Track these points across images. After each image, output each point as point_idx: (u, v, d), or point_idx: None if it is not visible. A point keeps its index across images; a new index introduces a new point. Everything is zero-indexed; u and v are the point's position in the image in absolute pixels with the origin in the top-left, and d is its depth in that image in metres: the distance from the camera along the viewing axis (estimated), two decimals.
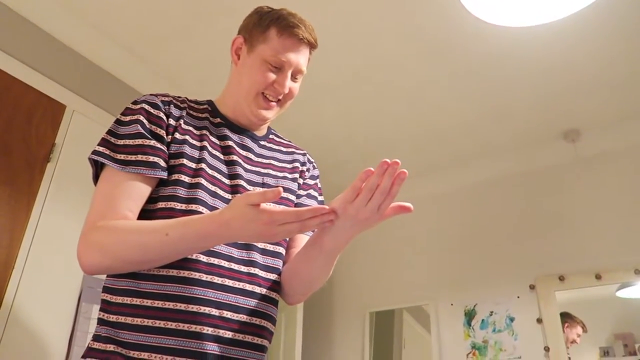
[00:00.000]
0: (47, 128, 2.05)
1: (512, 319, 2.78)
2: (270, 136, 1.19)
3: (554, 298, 2.70)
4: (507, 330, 2.77)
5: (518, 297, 2.81)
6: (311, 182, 1.21)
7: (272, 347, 2.67)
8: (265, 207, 0.78)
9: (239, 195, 0.90)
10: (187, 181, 0.97)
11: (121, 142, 0.97)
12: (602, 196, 2.78)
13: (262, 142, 1.15)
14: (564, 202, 2.89)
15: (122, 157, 0.95)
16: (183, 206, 0.95)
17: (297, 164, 1.18)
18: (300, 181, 1.18)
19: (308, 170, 1.21)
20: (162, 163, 0.97)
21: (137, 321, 0.88)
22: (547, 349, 2.61)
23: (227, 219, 0.81)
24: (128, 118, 1.00)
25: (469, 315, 2.91)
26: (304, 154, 1.23)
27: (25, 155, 1.95)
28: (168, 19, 2.20)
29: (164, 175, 0.96)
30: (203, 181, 0.98)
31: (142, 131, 0.97)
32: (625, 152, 2.80)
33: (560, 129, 2.87)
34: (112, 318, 0.90)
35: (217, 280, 0.92)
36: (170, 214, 0.94)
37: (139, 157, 0.95)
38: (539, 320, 2.69)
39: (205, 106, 1.13)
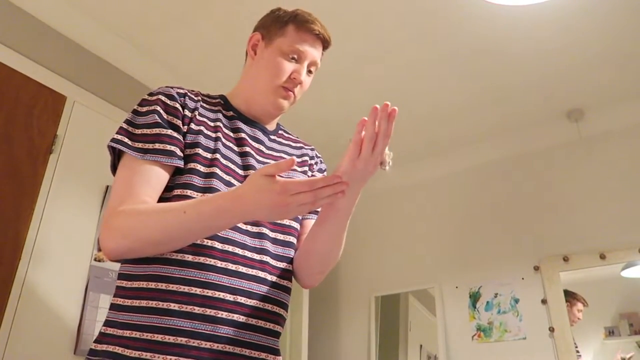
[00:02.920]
0: (48, 119, 2.05)
1: (516, 301, 2.79)
2: (280, 131, 1.22)
3: (559, 279, 2.71)
4: (512, 311, 2.78)
5: (522, 278, 2.81)
6: (319, 174, 1.24)
7: None
8: (278, 178, 0.80)
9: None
10: (203, 170, 1.00)
11: (139, 131, 0.99)
12: (605, 176, 2.77)
13: (272, 137, 1.18)
14: (568, 182, 2.88)
15: (139, 145, 0.97)
16: (199, 194, 0.97)
17: (307, 158, 1.22)
18: (309, 174, 1.21)
19: (316, 163, 1.25)
20: (179, 152, 0.99)
21: (152, 304, 0.90)
22: (552, 329, 2.62)
23: (241, 192, 0.83)
24: (145, 108, 1.02)
25: (474, 298, 2.93)
26: (312, 149, 1.27)
27: (27, 147, 1.95)
28: (166, 7, 2.19)
29: (180, 164, 0.98)
30: (218, 171, 1.00)
31: (159, 121, 1.00)
32: (629, 132, 2.78)
33: (564, 109, 2.85)
34: (127, 302, 0.92)
35: (232, 266, 0.95)
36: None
37: (157, 146, 0.97)
38: (544, 301, 2.70)
39: (218, 100, 1.15)
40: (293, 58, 1.10)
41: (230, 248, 0.96)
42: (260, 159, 1.10)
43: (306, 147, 1.26)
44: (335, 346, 3.34)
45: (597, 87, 2.67)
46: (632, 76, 2.58)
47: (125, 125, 1.01)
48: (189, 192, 0.97)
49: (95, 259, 2.08)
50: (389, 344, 3.18)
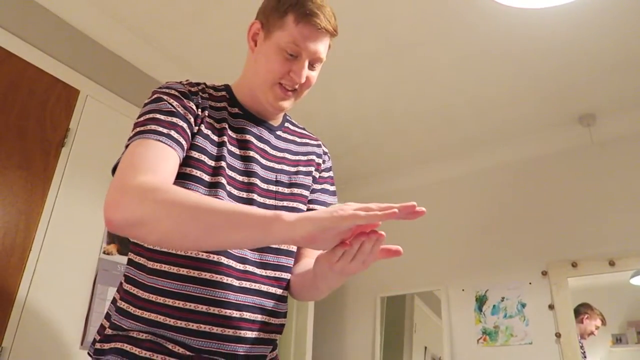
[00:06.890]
0: (61, 113, 2.07)
1: (523, 305, 2.77)
2: (286, 124, 1.17)
3: (567, 284, 2.69)
4: (519, 316, 2.77)
5: (530, 283, 2.80)
6: (326, 174, 1.19)
7: (284, 333, 2.69)
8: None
9: None
10: (207, 180, 0.96)
11: (150, 115, 0.93)
12: (616, 181, 2.74)
13: (278, 132, 1.13)
14: (578, 187, 2.86)
15: (153, 127, 0.91)
16: None
17: (313, 157, 1.16)
18: (316, 175, 1.16)
19: (324, 162, 1.19)
20: (185, 149, 0.95)
21: (160, 318, 0.89)
22: (558, 335, 2.60)
23: None
24: (156, 95, 0.98)
25: (480, 301, 2.92)
26: (318, 145, 1.21)
27: (40, 139, 1.97)
28: (180, 4, 2.20)
29: (181, 158, 0.93)
30: (223, 180, 0.97)
31: (174, 110, 0.95)
32: None
33: (576, 114, 2.83)
34: (137, 312, 0.92)
35: (236, 282, 0.93)
36: None
37: (173, 134, 0.91)
38: (551, 307, 2.69)
39: (223, 93, 1.09)
40: (292, 55, 0.99)
41: (232, 263, 0.94)
42: (264, 162, 1.06)
43: (312, 142, 1.19)
44: (339, 346, 3.34)
45: (609, 92, 2.64)
46: None
47: (137, 121, 0.95)
48: None
49: (104, 252, 2.10)
50: (393, 345, 3.18)
